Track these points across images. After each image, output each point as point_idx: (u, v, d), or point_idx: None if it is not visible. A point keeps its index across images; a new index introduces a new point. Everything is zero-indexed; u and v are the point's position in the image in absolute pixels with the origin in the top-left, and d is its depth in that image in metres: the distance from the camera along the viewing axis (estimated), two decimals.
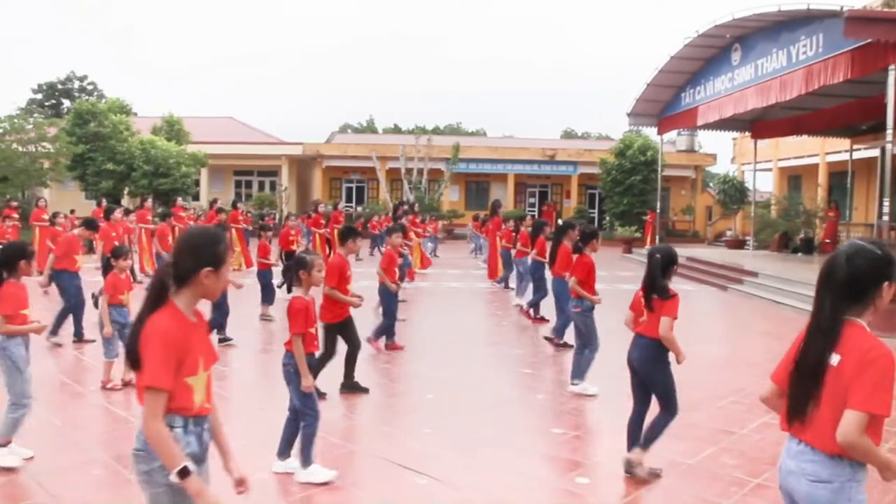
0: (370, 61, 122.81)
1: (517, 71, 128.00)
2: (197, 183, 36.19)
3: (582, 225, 9.63)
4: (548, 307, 10.89)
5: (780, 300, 14.12)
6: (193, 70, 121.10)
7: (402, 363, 8.81)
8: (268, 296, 11.38)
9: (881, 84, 13.16)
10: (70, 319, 9.36)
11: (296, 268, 5.12)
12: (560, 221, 13.54)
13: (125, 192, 31.15)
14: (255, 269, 12.22)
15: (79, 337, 9.35)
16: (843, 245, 2.70)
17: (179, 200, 22.19)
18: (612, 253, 26.25)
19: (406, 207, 16.78)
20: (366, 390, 7.26)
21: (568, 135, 70.13)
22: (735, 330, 12.31)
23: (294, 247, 13.61)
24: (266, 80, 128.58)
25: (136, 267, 15.94)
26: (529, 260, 12.17)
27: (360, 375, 7.37)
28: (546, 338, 10.10)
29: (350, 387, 7.24)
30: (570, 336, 8.47)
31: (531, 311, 11.78)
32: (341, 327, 7.08)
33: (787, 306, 13.66)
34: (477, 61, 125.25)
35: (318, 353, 5.74)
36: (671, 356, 5.11)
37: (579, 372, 7.40)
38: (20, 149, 27.65)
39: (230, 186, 40.53)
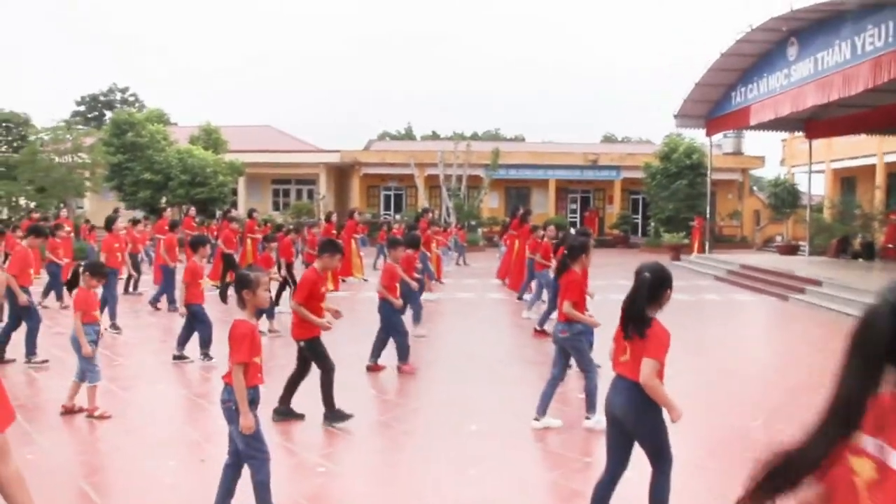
0: (406, 66, 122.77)
1: (552, 75, 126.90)
2: (235, 192, 36.04)
3: (572, 235, 8.95)
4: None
5: (850, 311, 13.05)
6: (227, 75, 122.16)
7: (408, 393, 8.09)
8: (268, 310, 10.70)
9: None
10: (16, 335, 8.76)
11: (239, 287, 4.42)
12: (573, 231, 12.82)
13: (163, 201, 30.99)
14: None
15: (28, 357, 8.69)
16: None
17: (233, 212, 21.66)
18: (659, 260, 25.18)
19: (430, 216, 16.03)
20: (300, 416, 6.51)
21: (608, 139, 68.93)
22: (804, 348, 10.80)
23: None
24: (301, 84, 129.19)
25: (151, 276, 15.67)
26: (551, 273, 11.23)
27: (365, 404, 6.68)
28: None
29: (284, 413, 6.46)
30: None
31: (542, 325, 10.94)
32: (311, 346, 6.37)
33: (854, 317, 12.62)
34: (511, 64, 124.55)
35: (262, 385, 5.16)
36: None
37: (544, 407, 6.40)
38: (57, 159, 27.62)
39: (268, 195, 40.29)
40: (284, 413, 6.48)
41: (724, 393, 7.78)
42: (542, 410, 6.37)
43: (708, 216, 26.21)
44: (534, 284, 13.03)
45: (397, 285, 8.56)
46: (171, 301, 12.58)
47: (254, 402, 4.27)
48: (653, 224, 34.76)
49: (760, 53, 18.77)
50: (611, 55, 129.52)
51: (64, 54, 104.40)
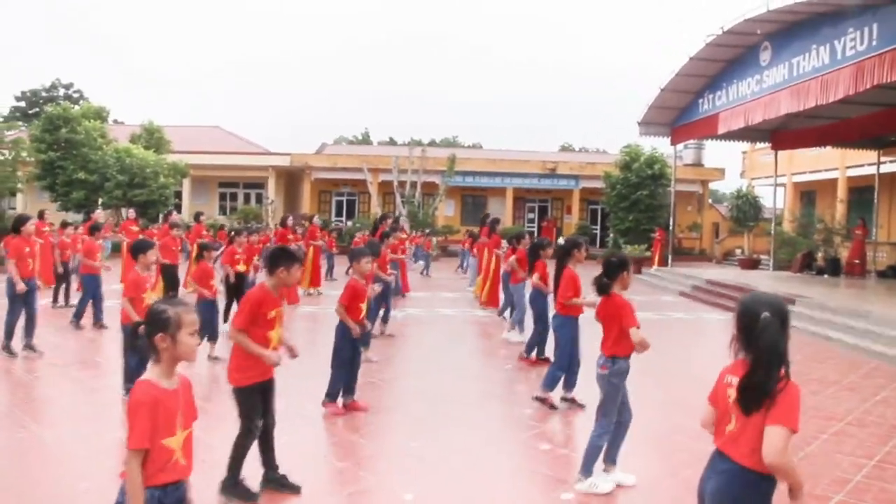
0: (364, 71, 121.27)
1: (512, 80, 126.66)
2: (179, 195, 34.29)
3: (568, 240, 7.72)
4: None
5: (829, 334, 12.12)
6: (190, 79, 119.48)
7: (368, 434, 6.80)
8: (211, 331, 9.16)
9: None
10: None
11: (150, 329, 2.96)
12: (562, 240, 11.58)
13: (99, 202, 29.10)
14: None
15: None
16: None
17: (174, 215, 20.08)
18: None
19: (391, 221, 14.43)
20: (296, 489, 4.95)
21: (565, 150, 68.40)
22: (799, 378, 9.72)
23: (240, 267, 11.54)
24: (261, 90, 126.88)
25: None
26: (528, 287, 9.86)
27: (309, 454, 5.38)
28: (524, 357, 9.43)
29: (232, 490, 4.73)
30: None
31: (530, 353, 9.58)
32: (242, 394, 4.78)
33: (840, 343, 11.69)
34: (470, 64, 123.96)
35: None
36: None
37: (590, 465, 5.14)
38: None
39: (215, 199, 38.58)
40: (277, 482, 4.95)
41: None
42: (611, 460, 5.25)
43: (670, 228, 25.37)
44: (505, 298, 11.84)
45: (362, 305, 6.97)
46: (97, 318, 11.10)
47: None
48: (612, 235, 33.95)
49: (730, 59, 17.93)
50: (571, 61, 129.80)
51: (6, 48, 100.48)
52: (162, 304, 3.01)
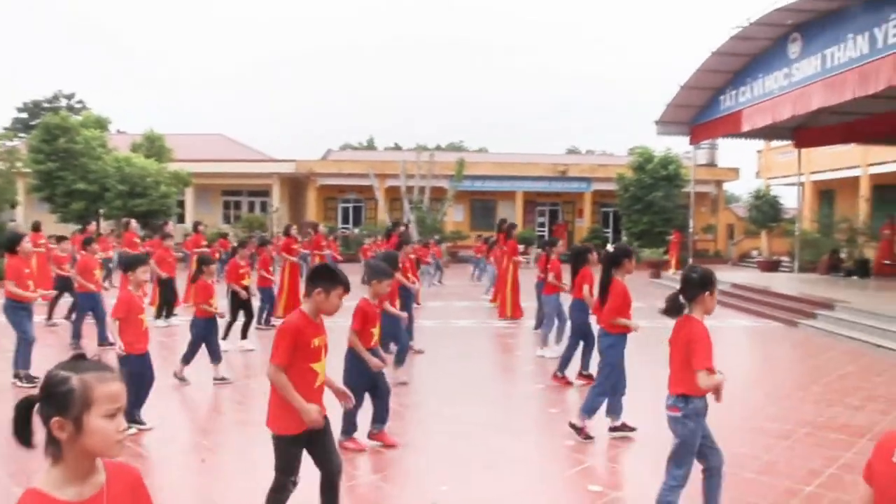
0: (367, 77, 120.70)
1: (515, 84, 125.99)
2: (181, 204, 33.54)
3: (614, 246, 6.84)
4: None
5: (876, 342, 11.25)
6: (194, 87, 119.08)
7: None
8: (212, 352, 8.32)
9: None
10: None
11: (44, 411, 1.83)
12: (610, 247, 10.65)
13: (100, 213, 28.33)
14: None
15: None
16: None
17: (168, 226, 19.42)
18: (638, 278, 23.39)
19: (403, 229, 13.59)
20: None
21: (573, 153, 67.51)
22: (843, 394, 8.23)
23: (246, 281, 10.78)
24: (265, 99, 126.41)
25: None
26: (570, 299, 8.84)
27: None
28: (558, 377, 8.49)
29: None
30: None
31: (564, 371, 8.60)
32: (282, 444, 3.94)
33: (888, 350, 10.85)
34: (472, 68, 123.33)
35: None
36: None
37: None
38: None
39: (218, 207, 37.84)
40: None
41: (781, 451, 5.77)
42: None
43: (691, 230, 24.53)
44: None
45: (373, 331, 6.03)
46: (101, 336, 10.24)
47: None
48: (625, 238, 33.07)
49: (754, 53, 17.08)
50: (574, 64, 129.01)
51: (9, 58, 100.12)
52: (63, 370, 1.87)
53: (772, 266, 26.34)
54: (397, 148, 61.80)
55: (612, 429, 6.50)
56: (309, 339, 3.87)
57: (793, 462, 5.69)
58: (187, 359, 8.26)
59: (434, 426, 6.87)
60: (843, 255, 22.70)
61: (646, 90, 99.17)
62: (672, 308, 4.33)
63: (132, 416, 6.32)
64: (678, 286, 4.39)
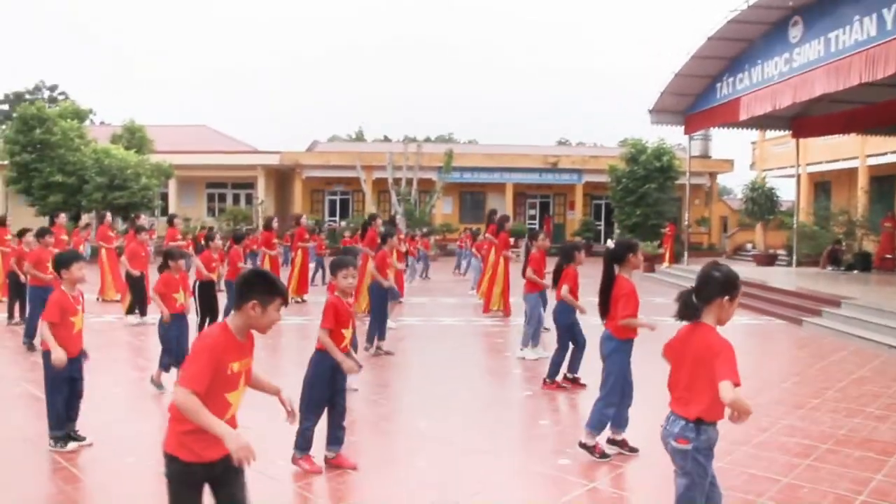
0: (357, 73, 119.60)
1: (505, 80, 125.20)
2: (164, 197, 32.70)
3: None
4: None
5: (889, 342, 10.57)
6: (181, 80, 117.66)
7: None
8: (179, 355, 7.57)
9: None
10: None
11: None
12: (611, 242, 9.97)
13: (80, 206, 27.47)
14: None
15: None
16: None
17: (142, 218, 18.82)
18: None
19: (379, 223, 12.77)
20: None
21: (563, 145, 66.84)
22: (862, 402, 7.45)
23: (214, 275, 10.03)
24: (252, 93, 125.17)
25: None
26: (556, 298, 8.00)
27: None
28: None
29: None
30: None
31: (555, 378, 7.90)
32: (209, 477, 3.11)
33: None
34: (459, 64, 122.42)
35: None
36: None
37: None
38: None
39: (202, 200, 37.05)
40: None
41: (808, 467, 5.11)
42: None
43: (686, 223, 23.93)
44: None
45: (345, 332, 5.30)
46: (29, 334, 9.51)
47: None
48: (618, 231, 32.44)
49: (755, 37, 16.41)
50: (562, 59, 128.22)
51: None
52: None
53: (769, 260, 25.75)
54: (387, 139, 60.96)
55: (612, 441, 5.83)
56: (227, 362, 3.03)
57: (818, 487, 5.01)
58: (165, 364, 7.54)
59: (412, 440, 6.16)
60: (843, 249, 22.11)
61: (641, 84, 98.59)
62: (687, 311, 3.61)
63: (67, 431, 5.63)
64: (691, 283, 3.69)
